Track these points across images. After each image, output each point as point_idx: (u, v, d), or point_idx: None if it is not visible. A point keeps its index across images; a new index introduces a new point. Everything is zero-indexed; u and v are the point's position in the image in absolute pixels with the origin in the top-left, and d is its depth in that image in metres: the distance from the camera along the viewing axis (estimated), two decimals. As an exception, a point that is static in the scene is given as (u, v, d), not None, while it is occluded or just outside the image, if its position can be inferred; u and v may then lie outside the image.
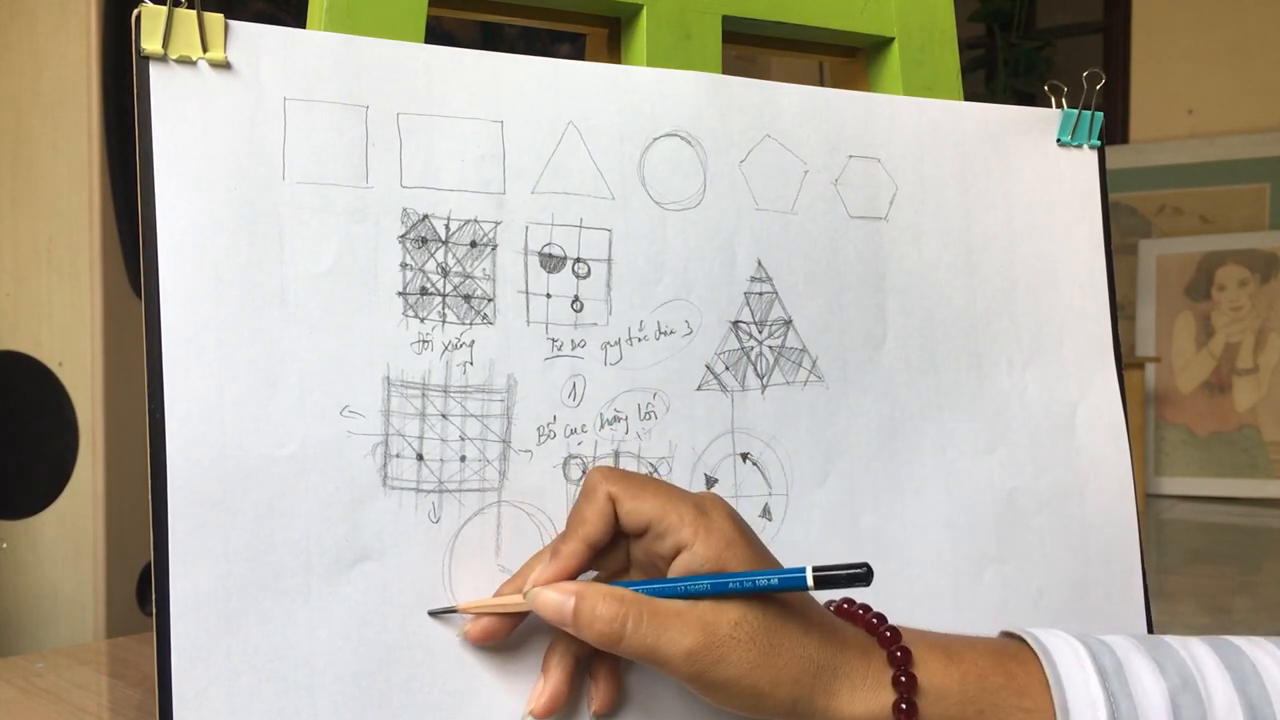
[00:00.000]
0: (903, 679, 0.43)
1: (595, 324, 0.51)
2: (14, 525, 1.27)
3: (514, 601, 0.46)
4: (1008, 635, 0.48)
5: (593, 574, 0.47)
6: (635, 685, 0.49)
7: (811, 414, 0.56)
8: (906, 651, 0.44)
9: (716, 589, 0.43)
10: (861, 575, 0.41)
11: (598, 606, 0.43)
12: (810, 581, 0.42)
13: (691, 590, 0.43)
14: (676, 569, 0.44)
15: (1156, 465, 3.30)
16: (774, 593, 0.44)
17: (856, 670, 0.44)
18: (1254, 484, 3.18)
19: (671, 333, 0.53)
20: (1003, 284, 0.62)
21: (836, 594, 0.49)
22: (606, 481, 0.46)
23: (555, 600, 0.44)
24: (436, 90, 0.49)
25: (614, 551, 0.47)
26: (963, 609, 0.58)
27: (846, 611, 0.48)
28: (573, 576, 0.45)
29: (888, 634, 0.45)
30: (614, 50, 0.60)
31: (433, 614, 0.47)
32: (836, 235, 0.57)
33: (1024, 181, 0.63)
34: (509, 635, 0.47)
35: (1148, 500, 3.20)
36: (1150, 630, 0.64)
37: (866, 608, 0.47)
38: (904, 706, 0.43)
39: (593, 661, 0.48)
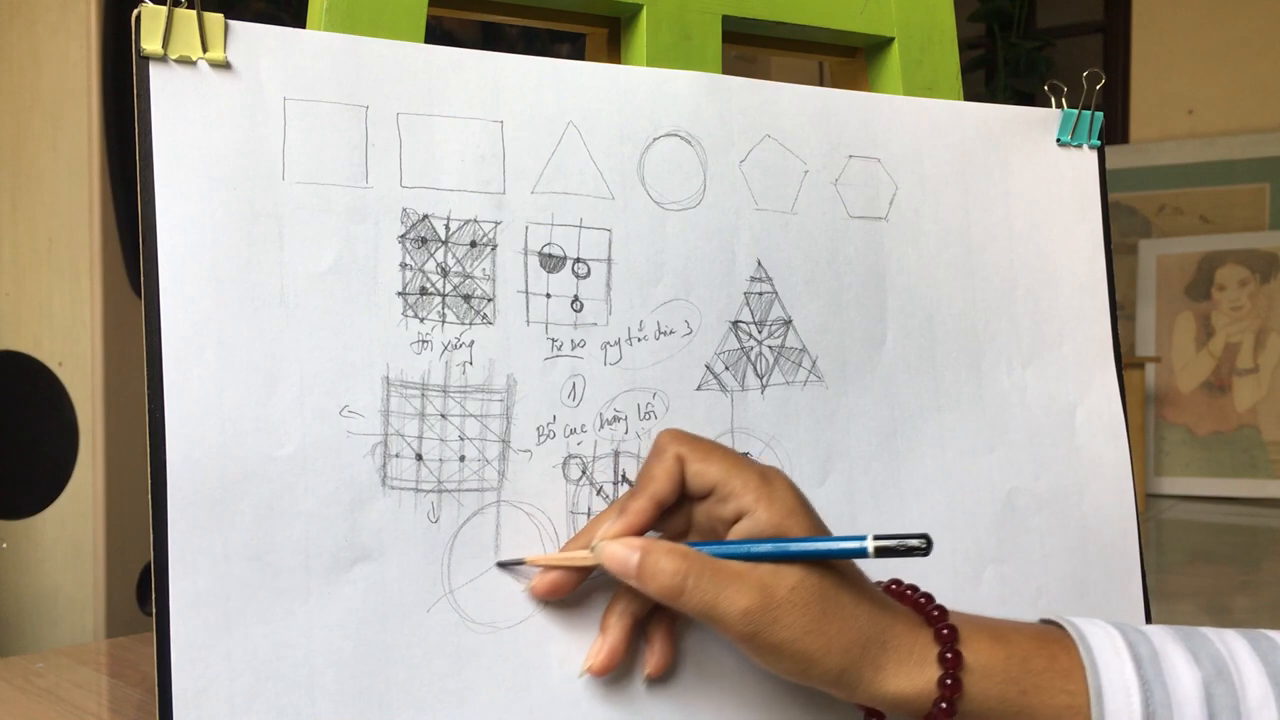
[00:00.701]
0: (948, 655, 0.44)
1: (595, 324, 0.51)
2: (14, 525, 1.27)
3: (581, 556, 0.47)
4: (1047, 622, 0.49)
5: (655, 535, 0.48)
6: (689, 651, 0.50)
7: (811, 414, 0.56)
8: (953, 629, 0.45)
9: (778, 552, 0.44)
10: (920, 548, 0.42)
11: (661, 560, 0.44)
12: (871, 550, 0.43)
13: (753, 553, 0.44)
14: (737, 533, 0.45)
15: (1156, 465, 3.30)
16: (831, 563, 0.45)
17: (904, 645, 0.45)
18: (1254, 484, 3.18)
19: (671, 333, 0.53)
20: (1003, 284, 0.62)
21: (883, 575, 0.49)
22: (676, 443, 0.47)
23: (621, 554, 0.45)
24: (436, 90, 0.49)
25: (676, 514, 0.48)
26: (962, 609, 0.58)
27: (894, 591, 0.49)
28: (639, 533, 0.46)
29: (935, 612, 0.46)
30: (614, 50, 0.60)
31: (501, 565, 0.48)
32: (836, 235, 0.57)
33: (1024, 181, 0.63)
34: (574, 590, 0.48)
35: (1148, 500, 3.20)
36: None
37: (914, 588, 0.48)
38: (949, 682, 0.44)
39: (649, 623, 0.49)
